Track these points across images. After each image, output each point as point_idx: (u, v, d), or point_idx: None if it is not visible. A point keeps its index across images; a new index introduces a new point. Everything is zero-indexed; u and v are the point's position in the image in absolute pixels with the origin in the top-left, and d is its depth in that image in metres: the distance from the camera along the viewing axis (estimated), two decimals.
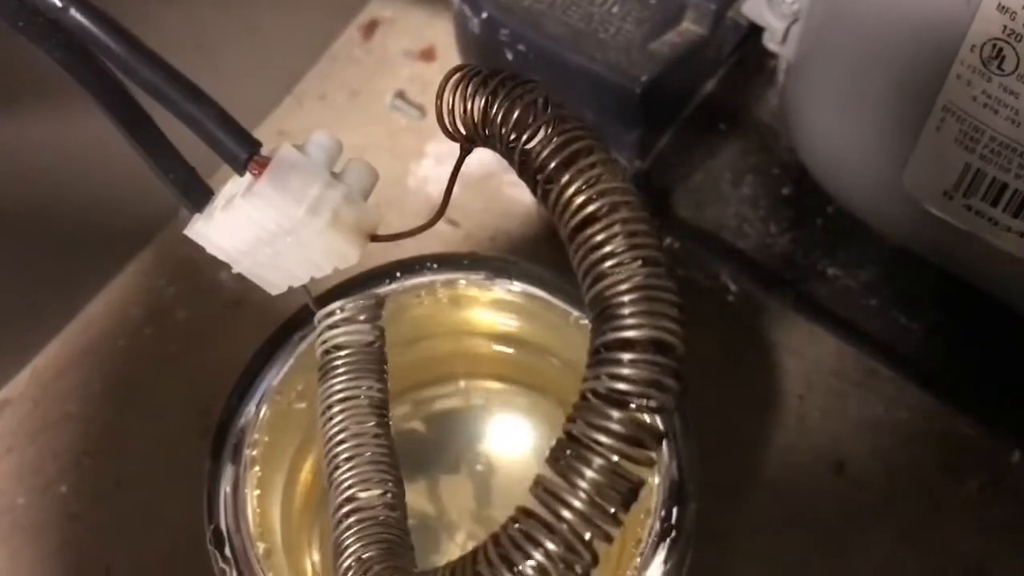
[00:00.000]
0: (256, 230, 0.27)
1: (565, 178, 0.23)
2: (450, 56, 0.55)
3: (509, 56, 0.46)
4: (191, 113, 0.25)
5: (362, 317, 0.31)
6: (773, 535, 0.47)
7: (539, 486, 0.23)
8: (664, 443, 0.36)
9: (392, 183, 0.53)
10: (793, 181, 0.49)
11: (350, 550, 0.27)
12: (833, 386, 0.49)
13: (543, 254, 0.51)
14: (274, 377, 0.38)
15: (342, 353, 0.30)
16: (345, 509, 0.28)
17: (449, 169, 0.27)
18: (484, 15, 0.45)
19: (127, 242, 0.52)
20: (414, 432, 0.43)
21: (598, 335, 0.23)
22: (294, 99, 0.56)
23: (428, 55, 0.57)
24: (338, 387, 0.30)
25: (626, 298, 0.23)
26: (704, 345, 0.48)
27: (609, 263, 0.23)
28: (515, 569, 0.23)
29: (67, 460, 0.49)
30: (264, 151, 0.27)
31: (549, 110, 0.24)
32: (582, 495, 0.22)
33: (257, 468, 0.37)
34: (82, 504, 0.48)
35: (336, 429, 0.30)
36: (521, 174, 0.25)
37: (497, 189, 0.53)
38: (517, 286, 0.39)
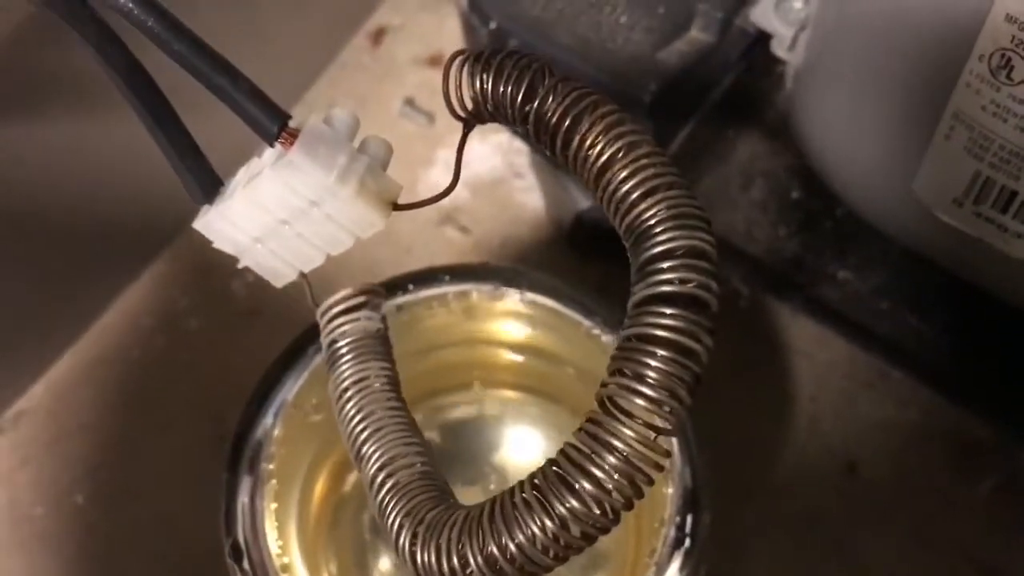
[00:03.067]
0: (279, 207, 0.27)
1: (581, 131, 0.25)
2: None
3: None
4: (222, 86, 0.26)
5: (363, 306, 0.31)
6: (786, 537, 0.47)
7: (607, 385, 0.24)
8: (676, 448, 0.37)
9: (402, 191, 0.53)
10: (802, 185, 0.49)
11: (395, 510, 0.27)
12: (844, 388, 0.49)
13: (553, 260, 0.51)
14: (289, 390, 0.38)
15: (347, 340, 0.31)
16: (380, 478, 0.28)
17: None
18: (492, 25, 0.45)
19: (139, 252, 0.52)
20: (428, 442, 0.43)
21: (637, 255, 0.24)
22: (303, 107, 0.56)
23: (436, 62, 0.57)
24: (347, 372, 0.30)
25: (656, 219, 0.24)
26: (715, 349, 0.48)
27: (635, 195, 0.24)
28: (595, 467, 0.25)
29: (83, 470, 0.49)
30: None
31: (554, 75, 0.26)
32: (651, 379, 0.23)
33: (274, 481, 0.37)
34: (98, 514, 0.48)
35: (353, 411, 0.30)
36: (536, 138, 0.26)
37: (507, 195, 0.53)
38: (528, 296, 0.39)
